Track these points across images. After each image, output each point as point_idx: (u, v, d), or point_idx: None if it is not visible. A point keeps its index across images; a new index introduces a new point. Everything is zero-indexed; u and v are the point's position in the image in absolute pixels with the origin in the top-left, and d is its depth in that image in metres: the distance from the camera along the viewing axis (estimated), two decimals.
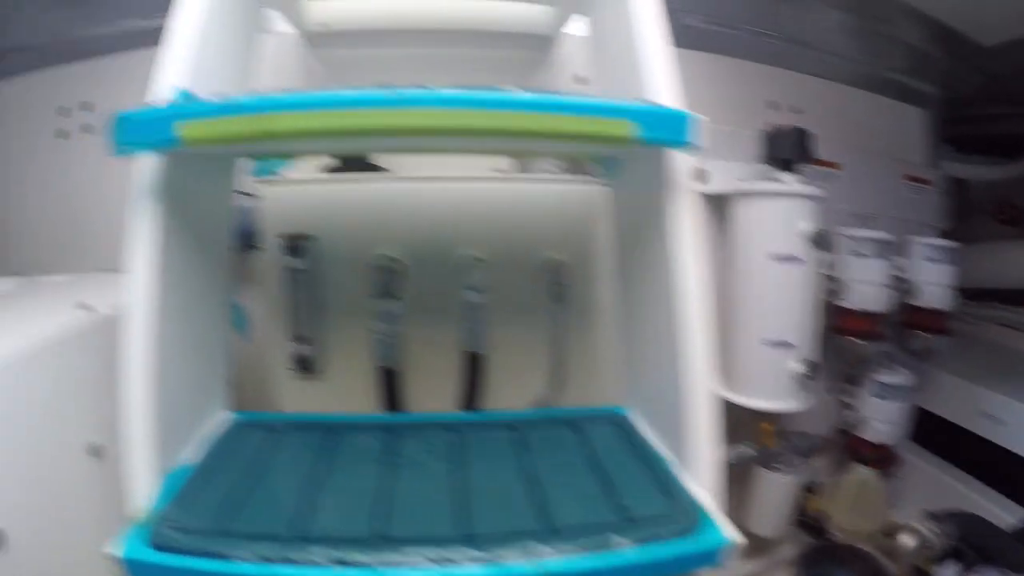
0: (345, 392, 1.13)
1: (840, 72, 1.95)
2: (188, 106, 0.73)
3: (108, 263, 1.26)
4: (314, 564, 0.61)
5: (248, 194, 1.10)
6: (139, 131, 0.70)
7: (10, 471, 0.75)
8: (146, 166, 0.76)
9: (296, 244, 1.07)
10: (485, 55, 1.33)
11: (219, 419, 0.94)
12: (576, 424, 0.98)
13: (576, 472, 0.83)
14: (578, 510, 0.73)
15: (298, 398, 1.14)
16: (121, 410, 0.72)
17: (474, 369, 1.10)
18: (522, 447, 0.90)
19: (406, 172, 1.18)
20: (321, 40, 1.31)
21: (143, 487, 0.72)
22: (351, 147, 1.02)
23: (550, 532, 0.67)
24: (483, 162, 1.19)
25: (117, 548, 0.64)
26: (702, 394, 0.79)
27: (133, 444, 0.72)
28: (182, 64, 0.82)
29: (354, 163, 1.16)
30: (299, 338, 1.10)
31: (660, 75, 0.87)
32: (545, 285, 1.13)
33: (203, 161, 0.87)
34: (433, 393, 1.12)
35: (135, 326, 0.73)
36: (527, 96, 0.73)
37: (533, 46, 1.34)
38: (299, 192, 1.10)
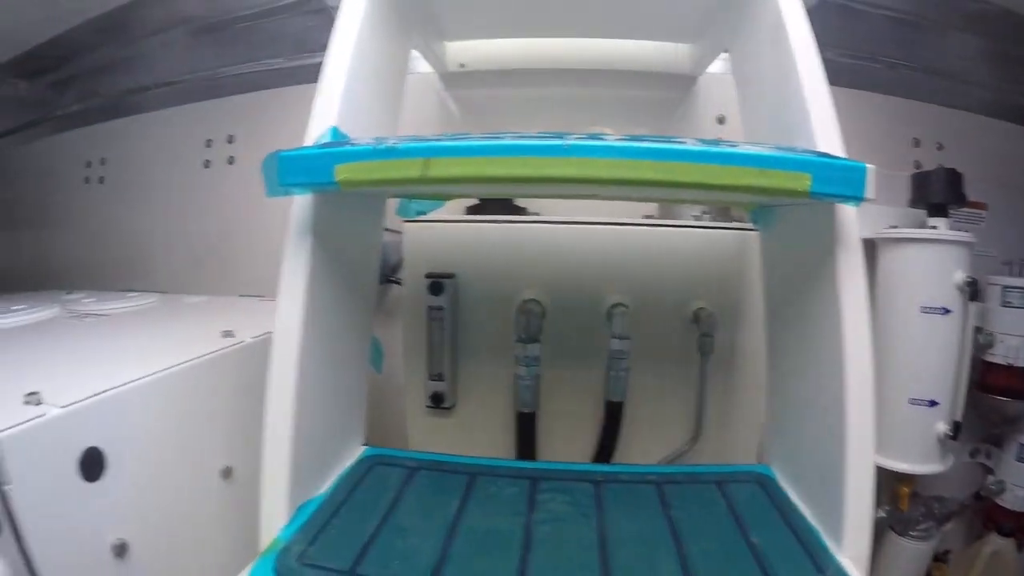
0: (476, 431, 1.13)
1: (982, 103, 1.82)
2: (348, 149, 0.72)
3: (243, 288, 1.32)
4: None
5: (389, 229, 1.13)
6: (299, 171, 0.71)
7: (144, 484, 0.79)
8: (303, 202, 0.78)
9: (438, 282, 1.08)
10: (624, 95, 1.32)
11: (353, 453, 0.95)
12: (721, 483, 0.94)
13: (721, 534, 0.79)
14: (724, 574, 0.70)
15: (427, 434, 1.14)
16: (264, 438, 0.74)
17: (613, 418, 1.07)
18: (665, 504, 0.86)
19: (546, 213, 1.18)
20: (458, 80, 1.34)
21: (276, 517, 0.73)
22: (505, 192, 1.02)
23: None
24: (626, 206, 1.17)
25: None
26: (862, 463, 0.74)
27: (272, 473, 0.74)
28: (335, 103, 0.83)
29: (493, 202, 1.16)
30: (435, 375, 1.11)
31: (822, 119, 0.82)
32: (688, 334, 1.10)
33: (356, 198, 0.89)
34: (567, 439, 1.10)
35: (285, 357, 0.75)
36: (702, 148, 0.69)
37: (673, 86, 1.32)
38: (442, 231, 1.12)
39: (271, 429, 0.74)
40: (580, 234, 1.10)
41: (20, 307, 1.21)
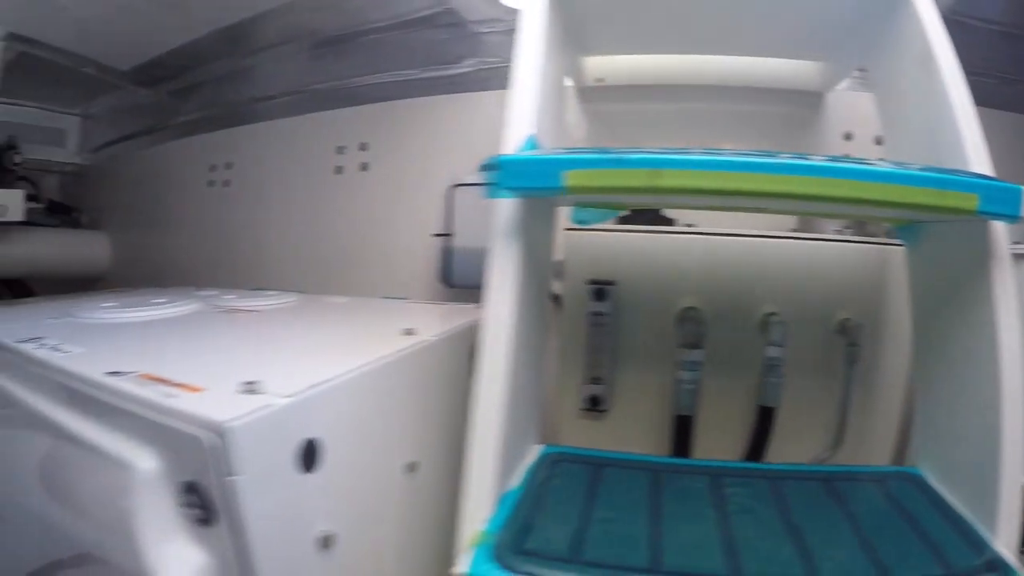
0: (628, 433, 1.18)
1: None
2: (578, 157, 0.77)
3: (372, 289, 1.37)
4: None
5: None
6: (524, 176, 0.76)
7: (346, 476, 0.81)
8: (510, 206, 0.82)
9: (602, 288, 1.14)
10: (753, 111, 1.37)
11: (533, 449, 1.01)
12: (878, 481, 0.99)
13: (892, 524, 0.84)
14: (914, 564, 0.74)
15: (580, 434, 1.20)
16: (473, 432, 0.78)
17: (765, 421, 1.12)
18: (838, 498, 0.91)
19: (695, 224, 1.23)
20: (593, 94, 1.39)
21: (481, 509, 0.77)
22: (715, 204, 1.06)
23: None
24: (766, 219, 1.22)
25: (463, 566, 0.69)
26: (1015, 464, 0.78)
27: (479, 466, 0.77)
28: (529, 113, 0.88)
29: (643, 213, 1.22)
30: (594, 379, 1.16)
31: (974, 143, 0.87)
32: (832, 343, 1.14)
33: (544, 204, 0.94)
34: (717, 440, 1.15)
35: (496, 354, 0.79)
36: (894, 170, 0.75)
37: (802, 102, 1.36)
38: (603, 240, 1.18)
39: (481, 423, 0.78)
40: (733, 245, 1.16)
41: (161, 300, 1.23)
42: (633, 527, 0.80)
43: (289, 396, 0.68)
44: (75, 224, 2.39)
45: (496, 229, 0.83)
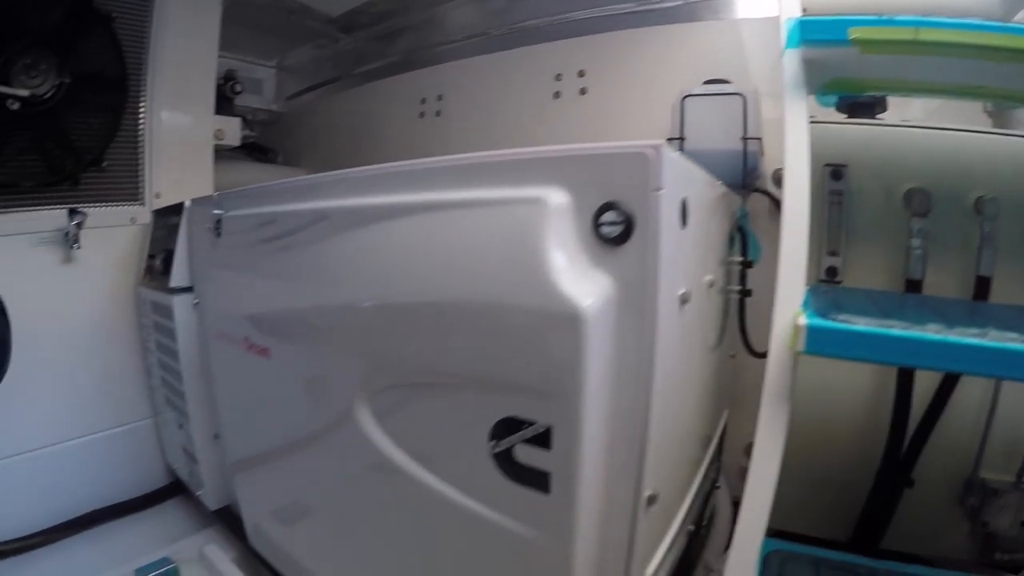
0: None
1: None
2: (859, 17, 0.94)
3: None
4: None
5: (750, 139, 1.42)
6: (818, 30, 0.97)
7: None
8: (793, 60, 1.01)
9: (836, 170, 1.36)
10: None
11: None
12: None
13: None
14: None
15: None
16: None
17: (982, 288, 1.33)
18: None
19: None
20: None
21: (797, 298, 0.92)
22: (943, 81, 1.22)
23: None
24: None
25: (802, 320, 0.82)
26: None
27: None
28: None
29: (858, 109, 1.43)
30: (831, 251, 1.39)
31: None
32: None
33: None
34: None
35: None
36: None
37: None
38: (838, 129, 1.40)
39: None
40: (944, 138, 1.37)
41: None
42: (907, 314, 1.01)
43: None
44: (272, 163, 2.71)
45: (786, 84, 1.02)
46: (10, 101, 1.55)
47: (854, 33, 0.95)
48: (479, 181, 0.79)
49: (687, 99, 1.54)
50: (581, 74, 1.84)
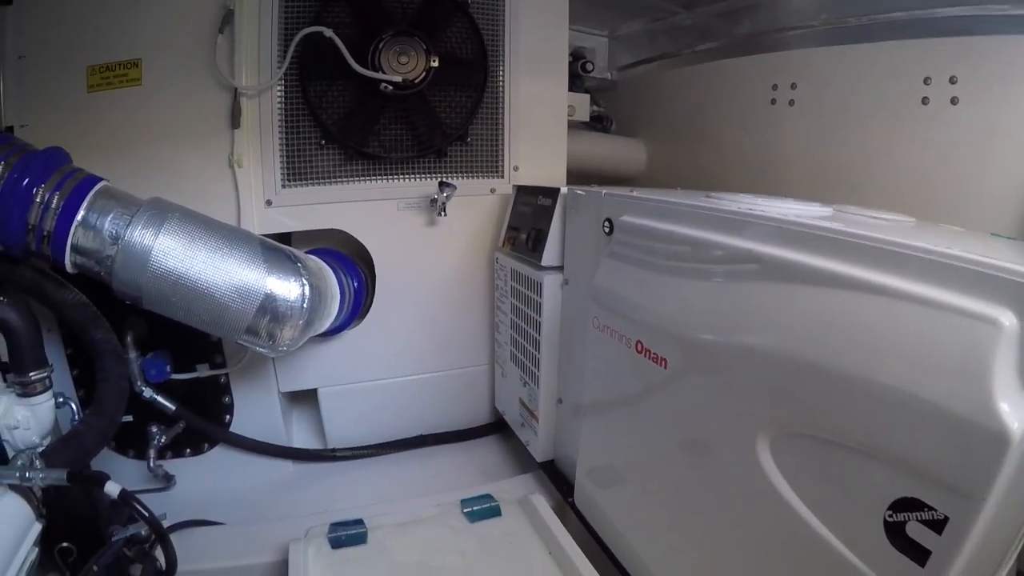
0: None
1: None
2: None
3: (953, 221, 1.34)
4: None
5: None
6: None
7: None
8: None
9: None
10: None
11: None
12: None
13: None
14: None
15: None
16: None
17: None
18: None
19: None
20: None
21: None
22: None
23: None
24: None
25: None
26: None
27: None
28: None
29: None
30: None
31: None
32: None
33: None
34: None
35: None
36: None
37: None
38: None
39: None
40: None
41: (783, 202, 1.16)
42: None
43: None
44: (606, 131, 2.85)
45: None
46: (383, 85, 1.79)
47: None
48: (934, 279, 0.79)
49: None
50: (952, 80, 1.62)
